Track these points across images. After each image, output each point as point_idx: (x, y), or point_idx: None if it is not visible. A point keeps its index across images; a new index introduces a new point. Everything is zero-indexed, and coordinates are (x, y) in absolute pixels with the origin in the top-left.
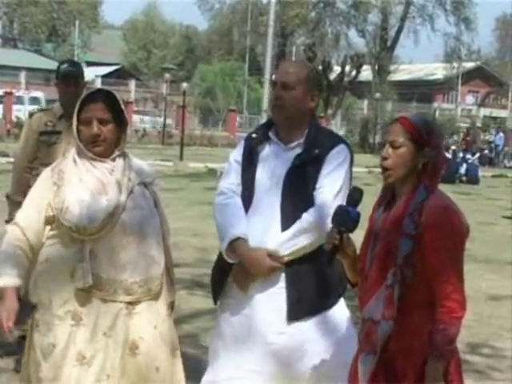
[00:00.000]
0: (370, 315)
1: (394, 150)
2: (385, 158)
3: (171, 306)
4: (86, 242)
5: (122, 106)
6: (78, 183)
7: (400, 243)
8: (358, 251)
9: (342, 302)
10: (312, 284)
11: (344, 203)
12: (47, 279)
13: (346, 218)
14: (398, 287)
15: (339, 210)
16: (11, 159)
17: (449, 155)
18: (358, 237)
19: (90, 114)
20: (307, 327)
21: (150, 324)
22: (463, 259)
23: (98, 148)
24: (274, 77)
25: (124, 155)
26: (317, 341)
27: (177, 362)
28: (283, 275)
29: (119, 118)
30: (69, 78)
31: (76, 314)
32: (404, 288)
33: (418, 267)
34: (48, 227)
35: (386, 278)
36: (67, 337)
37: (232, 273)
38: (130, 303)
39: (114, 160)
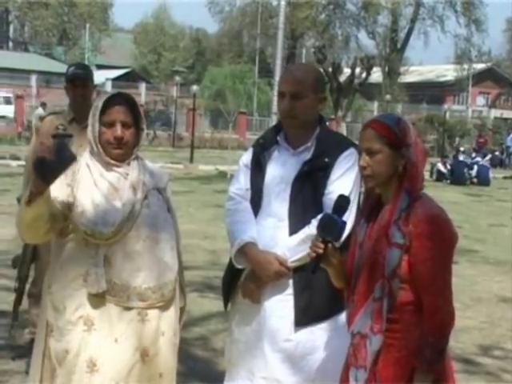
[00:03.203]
0: (359, 329)
1: (371, 158)
2: (363, 167)
3: (182, 310)
4: (100, 247)
5: (141, 111)
6: (92, 187)
7: (388, 254)
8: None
9: None
10: (320, 291)
11: (354, 206)
12: (61, 285)
13: (331, 227)
14: (386, 300)
15: (325, 219)
16: (23, 162)
17: (462, 158)
18: None
19: (114, 116)
20: (314, 334)
21: (159, 330)
22: (451, 268)
23: (119, 151)
24: (280, 87)
25: (138, 159)
26: (323, 348)
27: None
28: (291, 282)
29: (137, 123)
30: (76, 80)
31: (88, 320)
32: (392, 299)
33: (405, 277)
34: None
35: (373, 291)
36: (78, 343)
37: (241, 287)
38: (143, 309)
39: (128, 164)
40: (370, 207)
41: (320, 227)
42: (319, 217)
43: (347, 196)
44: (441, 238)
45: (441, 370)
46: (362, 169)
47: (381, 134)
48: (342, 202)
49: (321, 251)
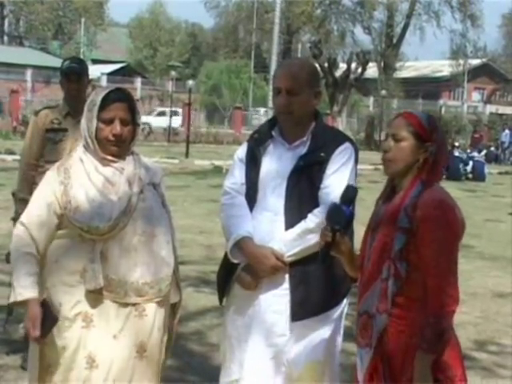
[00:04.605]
0: (366, 309)
1: (396, 143)
2: (386, 151)
3: (177, 305)
4: (96, 243)
5: (138, 108)
6: (87, 182)
7: (395, 237)
8: (357, 247)
9: (344, 303)
10: (316, 286)
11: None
12: (58, 281)
13: (339, 216)
14: (392, 281)
15: (333, 208)
16: (18, 157)
17: (457, 153)
18: (359, 231)
19: (114, 113)
20: (308, 329)
21: (156, 326)
22: (457, 254)
23: (116, 148)
24: (275, 83)
25: (133, 154)
26: (316, 342)
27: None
28: (287, 277)
29: (133, 119)
30: (71, 74)
31: (87, 316)
32: (399, 282)
33: (414, 262)
34: (56, 222)
35: (381, 272)
36: (77, 339)
37: (236, 275)
38: (140, 304)
39: (124, 158)
40: (387, 195)
41: (328, 216)
42: (316, 211)
43: (355, 186)
44: (445, 222)
45: (450, 361)
46: (384, 152)
47: (410, 123)
48: (350, 192)
49: (329, 239)
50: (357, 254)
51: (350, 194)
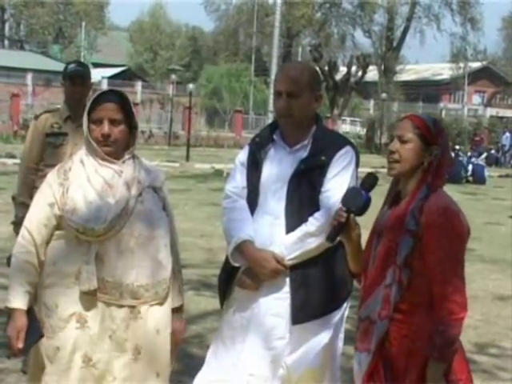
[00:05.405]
0: (368, 314)
1: (402, 145)
2: (392, 152)
3: (180, 309)
4: (92, 244)
5: (133, 109)
6: (86, 184)
7: (401, 241)
8: (363, 246)
9: (344, 306)
10: (317, 289)
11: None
12: (54, 282)
13: (357, 199)
14: (396, 287)
15: (351, 191)
16: (18, 161)
17: (461, 158)
18: (362, 235)
19: (102, 113)
20: (308, 332)
21: (153, 329)
22: (464, 260)
23: (108, 148)
24: (276, 86)
25: (134, 157)
26: (316, 347)
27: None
28: (288, 280)
29: (130, 121)
30: (76, 78)
31: (81, 317)
32: (402, 288)
33: (418, 268)
34: (55, 223)
35: (385, 278)
36: (72, 341)
37: (237, 277)
38: (135, 307)
39: (123, 162)
40: (392, 200)
41: (345, 198)
42: (317, 214)
43: (376, 175)
44: (451, 229)
45: (455, 365)
46: (389, 154)
47: (416, 126)
48: (371, 179)
49: (343, 220)
50: (362, 249)
51: (370, 181)
